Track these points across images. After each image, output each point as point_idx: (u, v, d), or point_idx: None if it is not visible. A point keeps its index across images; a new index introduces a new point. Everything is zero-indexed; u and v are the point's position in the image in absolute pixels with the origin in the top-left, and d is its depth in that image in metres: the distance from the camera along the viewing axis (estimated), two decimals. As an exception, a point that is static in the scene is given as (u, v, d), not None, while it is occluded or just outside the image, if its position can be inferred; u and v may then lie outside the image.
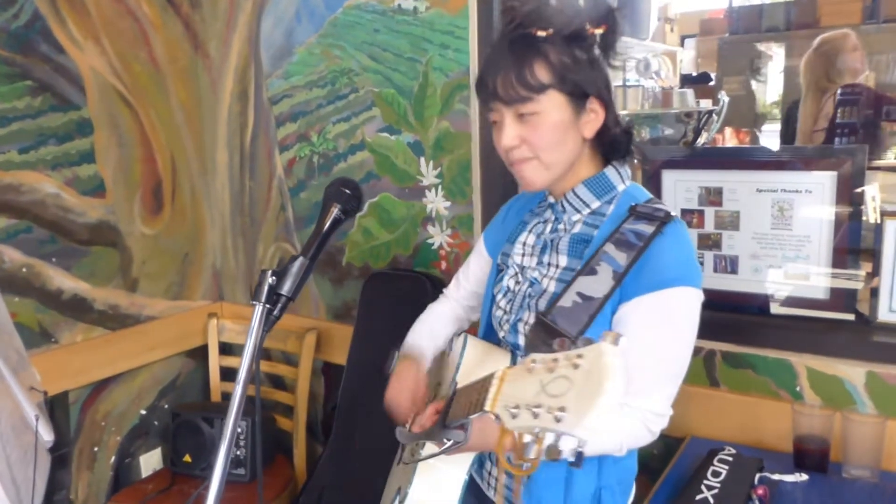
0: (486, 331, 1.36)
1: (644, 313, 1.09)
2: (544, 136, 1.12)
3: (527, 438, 0.69)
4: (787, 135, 3.23)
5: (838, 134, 2.72)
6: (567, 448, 0.66)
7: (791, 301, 1.66)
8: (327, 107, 2.21)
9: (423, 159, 2.05)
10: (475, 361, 1.24)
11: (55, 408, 1.26)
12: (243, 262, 2.52)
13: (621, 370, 0.67)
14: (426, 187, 2.06)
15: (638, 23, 3.51)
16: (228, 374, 2.44)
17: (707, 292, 1.72)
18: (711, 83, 4.23)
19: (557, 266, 1.20)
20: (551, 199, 1.26)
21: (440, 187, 2.04)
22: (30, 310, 2.02)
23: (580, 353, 0.69)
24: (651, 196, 1.21)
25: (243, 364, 0.96)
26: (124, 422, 2.29)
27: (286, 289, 0.99)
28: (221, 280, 2.56)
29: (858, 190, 1.56)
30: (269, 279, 0.98)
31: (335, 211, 1.08)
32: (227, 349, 2.47)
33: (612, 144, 1.20)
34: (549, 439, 0.67)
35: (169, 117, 2.35)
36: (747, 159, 1.72)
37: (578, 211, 1.21)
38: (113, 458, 2.26)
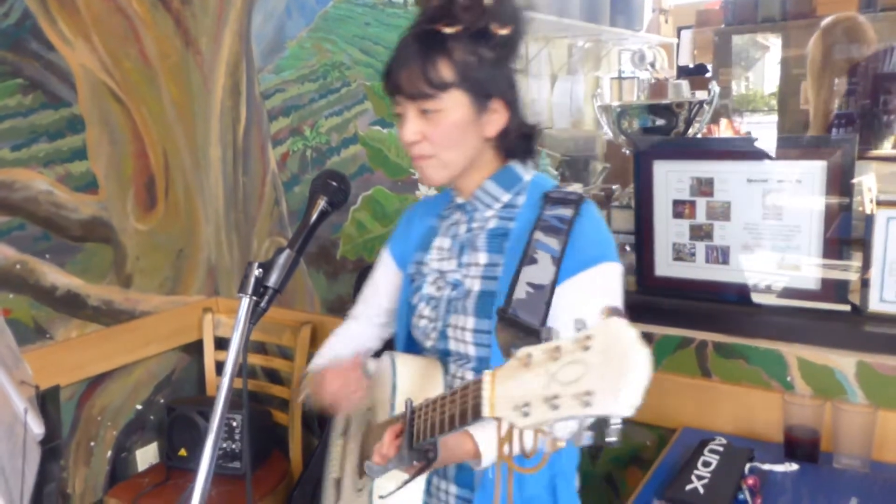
0: (406, 344, 1.36)
1: (576, 292, 1.12)
2: (444, 134, 1.13)
3: (528, 435, 0.68)
4: (786, 125, 3.22)
5: (835, 125, 2.71)
6: (613, 430, 0.66)
7: (782, 291, 1.66)
8: (319, 101, 2.21)
9: (415, 153, 2.05)
10: (411, 377, 1.23)
11: (46, 401, 1.26)
12: (238, 256, 2.52)
13: (639, 339, 0.65)
14: (419, 180, 2.07)
15: (632, 14, 3.50)
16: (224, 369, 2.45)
17: (699, 283, 1.75)
18: (708, 74, 4.22)
19: (478, 264, 1.21)
20: (459, 200, 1.27)
21: (433, 181, 2.04)
22: (24, 306, 2.02)
23: (588, 335, 0.67)
24: (557, 183, 1.25)
25: (230, 357, 0.97)
26: (120, 417, 2.30)
27: (273, 280, 0.99)
28: (216, 275, 2.56)
29: (853, 180, 1.56)
30: (256, 271, 0.98)
31: (322, 203, 1.08)
32: (222, 344, 2.47)
33: (513, 145, 1.21)
34: (568, 427, 0.68)
35: (161, 113, 2.34)
36: (738, 149, 1.72)
37: (490, 206, 1.22)
38: (109, 453, 2.27)
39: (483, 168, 1.21)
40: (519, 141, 1.21)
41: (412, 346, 1.35)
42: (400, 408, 1.17)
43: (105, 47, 2.17)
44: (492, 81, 1.14)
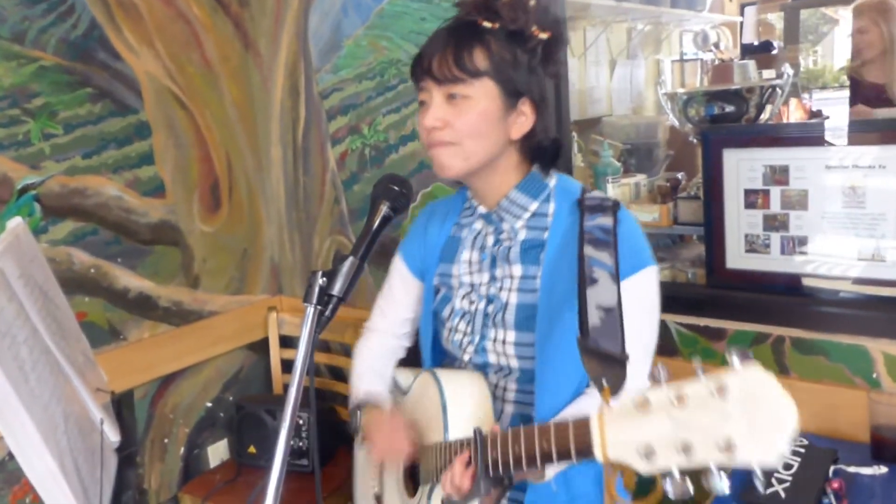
0: (433, 353, 1.33)
1: (623, 300, 1.08)
2: (470, 122, 1.11)
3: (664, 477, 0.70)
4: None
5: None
6: (757, 480, 0.67)
7: (866, 283, 1.58)
8: (377, 98, 2.20)
9: (474, 148, 2.03)
10: (460, 395, 1.21)
11: (122, 407, 1.30)
12: (300, 255, 2.55)
13: (783, 388, 0.65)
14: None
15: (694, -6, 3.39)
16: (289, 367, 2.47)
17: (775, 275, 1.67)
18: (774, 52, 4.04)
19: (512, 277, 1.20)
20: (482, 210, 1.24)
21: (492, 175, 2.01)
22: (99, 309, 2.09)
23: (721, 384, 0.67)
24: (581, 184, 1.22)
25: (297, 362, 0.96)
26: (191, 414, 2.36)
27: (337, 289, 0.99)
28: (279, 274, 2.60)
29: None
30: (320, 280, 0.98)
31: (384, 208, 1.07)
32: (287, 342, 2.50)
33: (539, 150, 1.20)
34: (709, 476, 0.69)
35: (223, 116, 2.38)
36: (814, 135, 1.63)
37: (518, 217, 1.20)
38: (182, 450, 2.33)
39: (505, 173, 1.20)
40: (547, 146, 1.19)
41: (439, 355, 1.34)
42: (454, 429, 1.17)
43: (168, 53, 2.21)
44: (524, 82, 1.13)
